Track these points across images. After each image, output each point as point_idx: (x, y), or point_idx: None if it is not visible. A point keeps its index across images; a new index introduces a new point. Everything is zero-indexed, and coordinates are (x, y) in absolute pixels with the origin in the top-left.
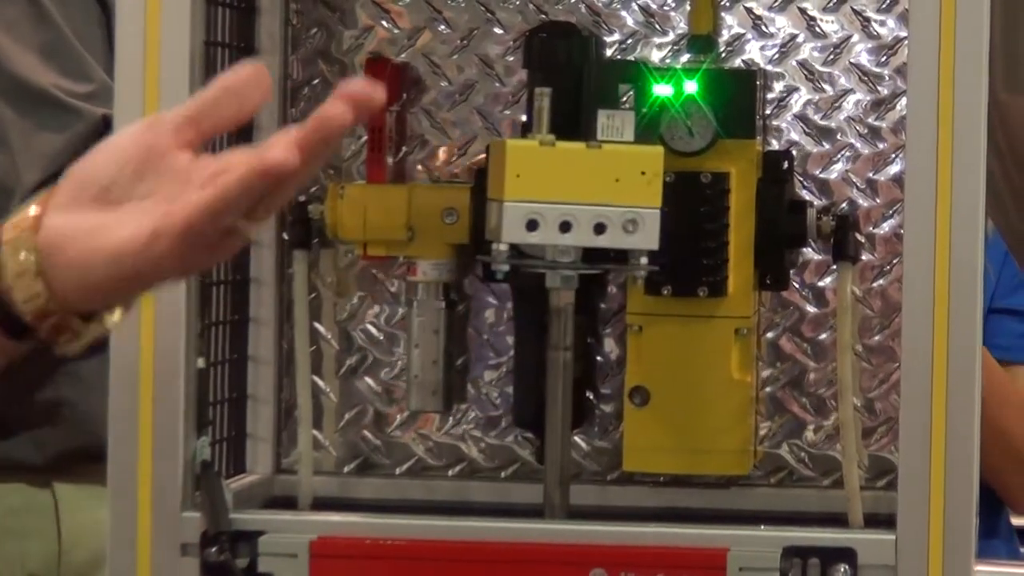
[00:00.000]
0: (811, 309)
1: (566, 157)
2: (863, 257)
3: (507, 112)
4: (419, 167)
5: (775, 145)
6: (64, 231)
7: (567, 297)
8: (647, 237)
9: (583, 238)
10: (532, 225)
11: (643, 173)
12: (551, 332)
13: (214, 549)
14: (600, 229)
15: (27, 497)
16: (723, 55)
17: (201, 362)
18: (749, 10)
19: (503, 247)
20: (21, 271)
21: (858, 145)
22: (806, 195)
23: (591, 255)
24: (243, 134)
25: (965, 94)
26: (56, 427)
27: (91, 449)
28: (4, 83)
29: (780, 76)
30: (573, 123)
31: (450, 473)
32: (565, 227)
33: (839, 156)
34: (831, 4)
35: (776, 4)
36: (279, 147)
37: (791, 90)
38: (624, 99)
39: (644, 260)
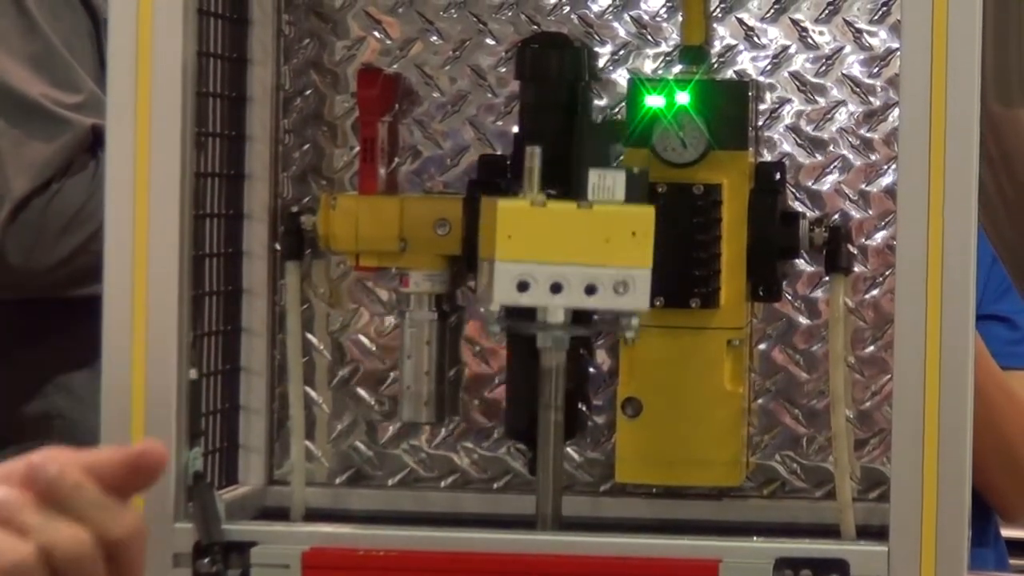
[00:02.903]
0: (803, 320)
1: (557, 218)
2: (855, 268)
3: (499, 123)
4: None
5: (767, 156)
6: None
7: (558, 357)
8: (638, 298)
9: (574, 299)
10: (523, 286)
11: (634, 234)
12: (542, 391)
13: (206, 560)
14: (591, 290)
15: None
16: (715, 66)
17: (193, 373)
18: (741, 21)
19: (494, 308)
20: None
21: (850, 156)
22: (798, 206)
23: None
24: (236, 145)
25: (957, 106)
26: (48, 439)
27: None
28: None
29: (772, 87)
30: (565, 139)
31: (442, 484)
32: (556, 288)
33: (831, 167)
34: (823, 15)
35: (768, 15)
36: None
37: (783, 101)
38: (616, 161)
39: (635, 321)
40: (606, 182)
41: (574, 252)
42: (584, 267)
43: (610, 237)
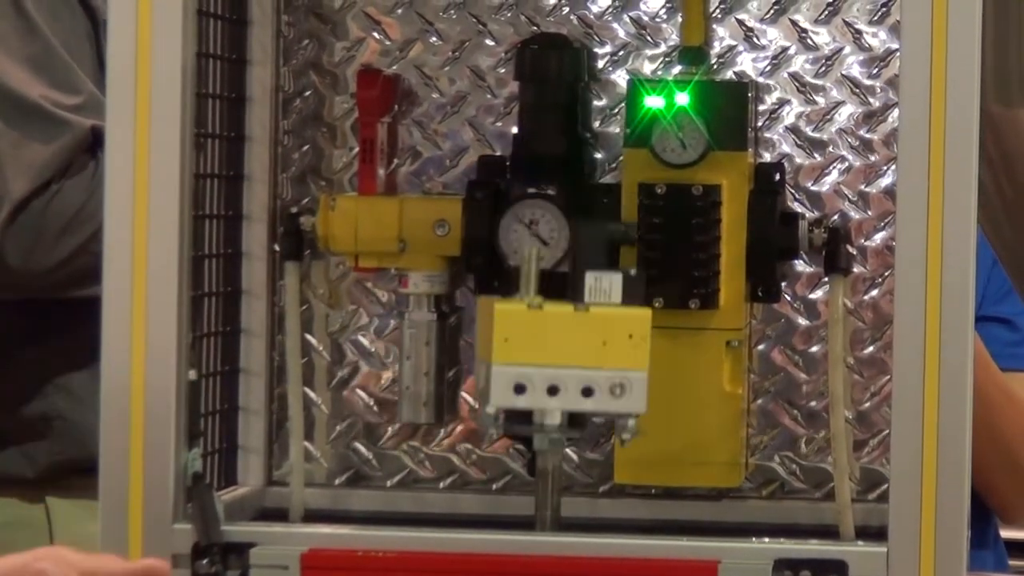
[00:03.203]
0: (802, 321)
1: (554, 320)
2: (855, 269)
3: (499, 124)
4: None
5: (767, 157)
6: None
7: (555, 459)
8: (634, 401)
9: (571, 402)
10: (520, 388)
11: (630, 336)
12: (537, 491)
13: (205, 561)
14: (587, 392)
15: (19, 512)
16: (715, 67)
17: (193, 374)
18: (741, 22)
19: (491, 410)
20: None
21: (850, 157)
22: (798, 207)
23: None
24: (235, 146)
25: (957, 106)
26: (47, 440)
27: (83, 462)
28: None
29: (772, 88)
30: (564, 140)
31: (441, 485)
32: (553, 391)
33: (831, 168)
34: (823, 16)
35: (768, 16)
36: None
37: (783, 102)
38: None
39: (631, 423)
40: (602, 284)
41: (571, 355)
42: (581, 370)
43: (607, 340)
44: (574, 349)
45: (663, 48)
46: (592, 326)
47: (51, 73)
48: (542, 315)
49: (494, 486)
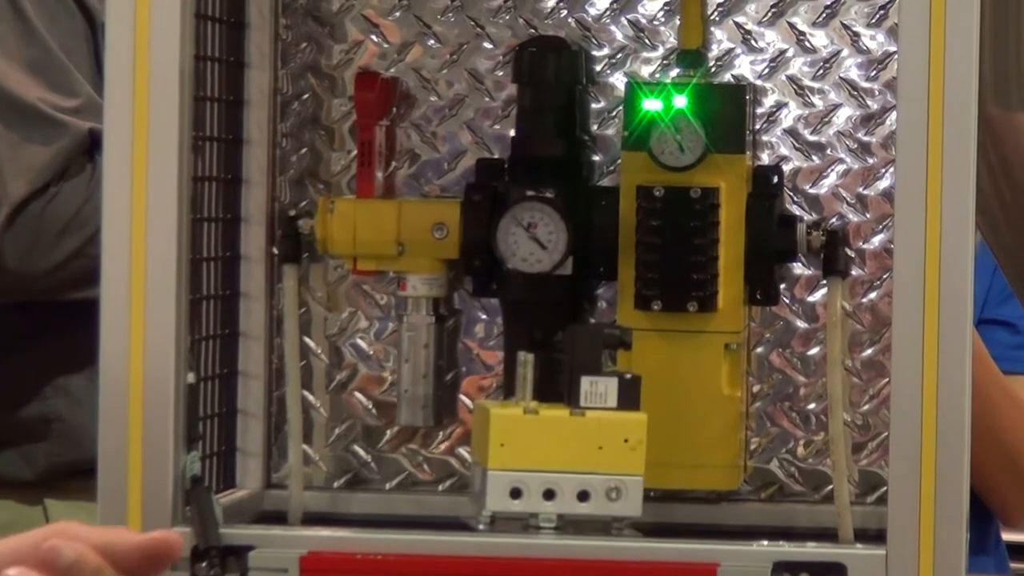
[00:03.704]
0: (801, 324)
1: (550, 425)
2: (853, 272)
3: (497, 127)
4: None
5: (765, 160)
6: None
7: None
8: (631, 505)
9: (566, 506)
10: (516, 493)
11: (626, 440)
12: None
13: (204, 564)
14: (584, 496)
15: (18, 514)
16: (713, 70)
17: (191, 377)
18: (739, 25)
19: (487, 513)
20: None
21: (848, 160)
22: (796, 210)
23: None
24: (233, 149)
25: (955, 109)
26: (46, 442)
27: (81, 464)
28: None
29: (770, 91)
30: (561, 141)
31: (440, 488)
32: (549, 495)
33: (829, 171)
34: (821, 19)
35: (766, 19)
36: None
37: (781, 105)
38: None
39: (627, 531)
40: (598, 388)
41: (567, 459)
42: (577, 474)
43: (603, 444)
44: (570, 454)
45: (661, 51)
46: (588, 431)
47: (49, 76)
48: (538, 420)
49: None
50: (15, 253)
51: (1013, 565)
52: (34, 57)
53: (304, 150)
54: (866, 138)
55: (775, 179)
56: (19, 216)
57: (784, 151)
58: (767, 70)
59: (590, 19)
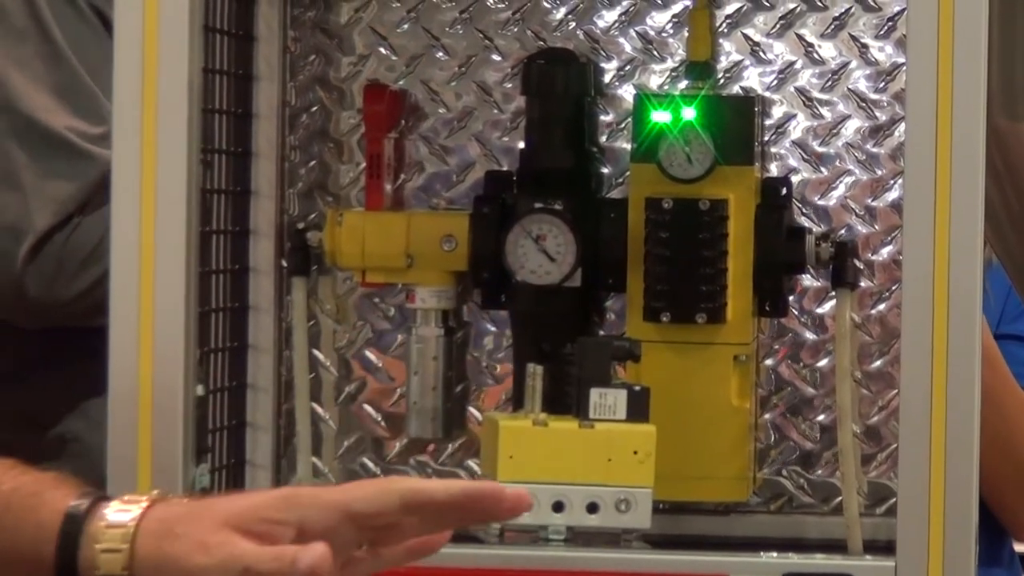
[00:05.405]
0: (810, 335)
1: (558, 437)
2: (862, 283)
3: (505, 139)
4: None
5: (773, 171)
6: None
7: None
8: (639, 517)
9: (576, 518)
10: None
11: (635, 452)
12: None
13: None
14: (593, 508)
15: None
16: (721, 81)
17: (200, 389)
18: (747, 37)
19: (496, 525)
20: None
21: (857, 171)
22: (805, 222)
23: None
24: (242, 162)
25: (963, 120)
26: (61, 461)
27: (99, 484)
28: (18, 123)
29: (778, 102)
30: (569, 153)
31: None
32: (558, 507)
33: (838, 182)
34: (829, 30)
35: (774, 31)
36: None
37: (789, 116)
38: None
39: (636, 544)
40: (607, 400)
41: (576, 471)
42: (586, 486)
43: (612, 456)
44: (579, 466)
45: (670, 63)
46: (597, 443)
47: (76, 101)
48: (547, 432)
49: None
50: (39, 283)
51: None
52: (61, 81)
53: (313, 162)
54: (875, 150)
55: (784, 191)
56: (43, 247)
57: (793, 163)
58: (776, 82)
59: (599, 31)
